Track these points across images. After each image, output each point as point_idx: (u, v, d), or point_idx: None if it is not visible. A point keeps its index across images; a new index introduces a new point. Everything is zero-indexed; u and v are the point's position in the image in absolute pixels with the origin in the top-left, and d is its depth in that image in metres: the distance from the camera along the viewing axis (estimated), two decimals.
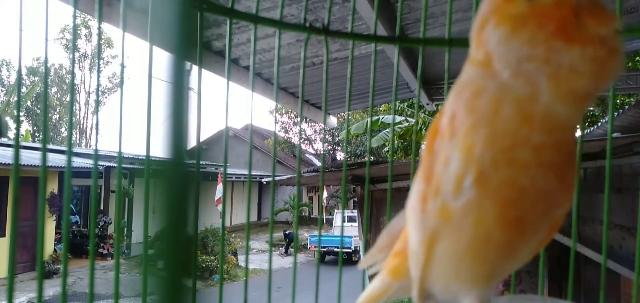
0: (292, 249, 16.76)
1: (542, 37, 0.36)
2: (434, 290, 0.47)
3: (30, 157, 9.36)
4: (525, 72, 0.37)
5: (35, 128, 26.98)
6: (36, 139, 23.80)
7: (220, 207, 12.27)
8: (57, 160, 10.27)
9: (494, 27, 0.38)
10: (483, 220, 0.40)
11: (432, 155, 0.42)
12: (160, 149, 0.25)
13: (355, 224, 11.50)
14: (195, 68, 0.65)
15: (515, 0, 0.37)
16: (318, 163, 23.36)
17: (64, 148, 13.37)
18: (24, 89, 22.96)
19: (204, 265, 11.97)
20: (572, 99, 0.38)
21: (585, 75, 0.36)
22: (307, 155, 26.26)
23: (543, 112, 0.38)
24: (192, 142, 0.25)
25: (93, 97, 28.75)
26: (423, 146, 0.45)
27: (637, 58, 8.22)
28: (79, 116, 29.12)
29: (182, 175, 0.24)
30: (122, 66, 0.66)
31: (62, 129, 29.25)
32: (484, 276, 0.45)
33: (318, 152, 26.57)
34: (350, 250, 15.38)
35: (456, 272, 0.44)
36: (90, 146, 26.22)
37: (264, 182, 17.22)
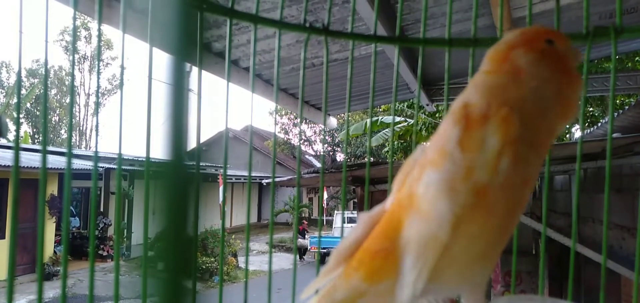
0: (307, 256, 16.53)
1: (557, 70, 0.50)
2: (439, 281, 0.48)
3: (30, 159, 9.36)
4: (545, 89, 0.50)
5: (34, 130, 26.97)
6: (36, 140, 23.80)
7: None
8: (56, 161, 10.26)
9: (525, 52, 0.50)
10: (512, 198, 0.47)
11: (460, 148, 0.48)
12: (160, 151, 0.25)
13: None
14: (195, 69, 0.65)
15: (539, 39, 0.51)
16: (318, 165, 23.35)
17: (63, 150, 13.35)
18: (23, 91, 22.95)
19: (204, 267, 11.97)
20: (561, 119, 0.51)
21: (573, 106, 0.51)
22: (307, 156, 26.25)
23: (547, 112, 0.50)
24: (192, 144, 0.25)
25: (93, 98, 28.76)
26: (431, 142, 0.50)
27: (637, 58, 8.22)
28: (79, 118, 29.11)
29: (182, 177, 0.24)
30: (122, 68, 0.66)
31: (62, 131, 29.24)
32: (495, 260, 0.51)
33: (318, 153, 26.56)
34: None
35: (481, 253, 0.48)
36: (90, 148, 26.20)
37: (264, 183, 17.20)
